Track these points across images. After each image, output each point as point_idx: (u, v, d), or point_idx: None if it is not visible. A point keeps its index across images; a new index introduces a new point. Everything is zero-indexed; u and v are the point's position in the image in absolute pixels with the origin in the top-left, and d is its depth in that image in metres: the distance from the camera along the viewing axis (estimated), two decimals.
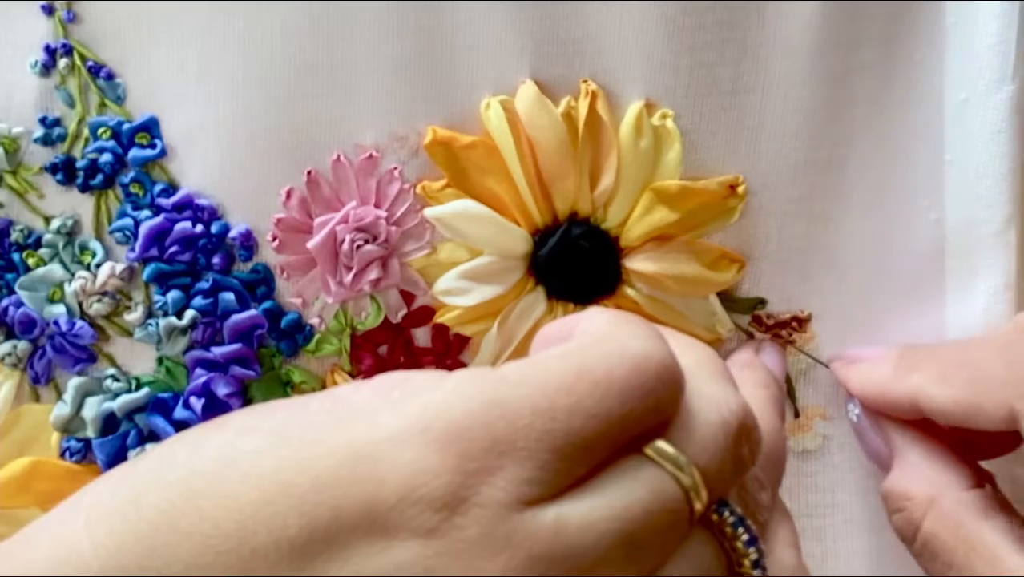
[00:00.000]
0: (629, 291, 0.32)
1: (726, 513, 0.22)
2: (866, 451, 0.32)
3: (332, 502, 0.18)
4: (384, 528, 0.18)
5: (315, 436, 0.19)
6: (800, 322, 0.32)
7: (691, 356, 0.23)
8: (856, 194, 0.31)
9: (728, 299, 0.32)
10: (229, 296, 0.32)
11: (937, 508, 0.29)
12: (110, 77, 0.31)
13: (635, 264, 0.32)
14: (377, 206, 0.31)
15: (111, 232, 0.32)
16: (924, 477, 0.29)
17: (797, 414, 0.33)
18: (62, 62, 0.31)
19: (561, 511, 0.19)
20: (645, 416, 0.20)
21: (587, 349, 0.21)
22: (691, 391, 0.22)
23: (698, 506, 0.21)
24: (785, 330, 0.32)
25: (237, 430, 0.20)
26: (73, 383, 0.33)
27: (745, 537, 0.22)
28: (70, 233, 0.32)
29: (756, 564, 0.22)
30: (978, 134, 0.30)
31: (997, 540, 0.27)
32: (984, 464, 0.31)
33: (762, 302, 0.32)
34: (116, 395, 0.33)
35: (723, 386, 0.23)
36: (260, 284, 0.32)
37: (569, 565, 0.19)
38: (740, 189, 0.31)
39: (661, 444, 0.21)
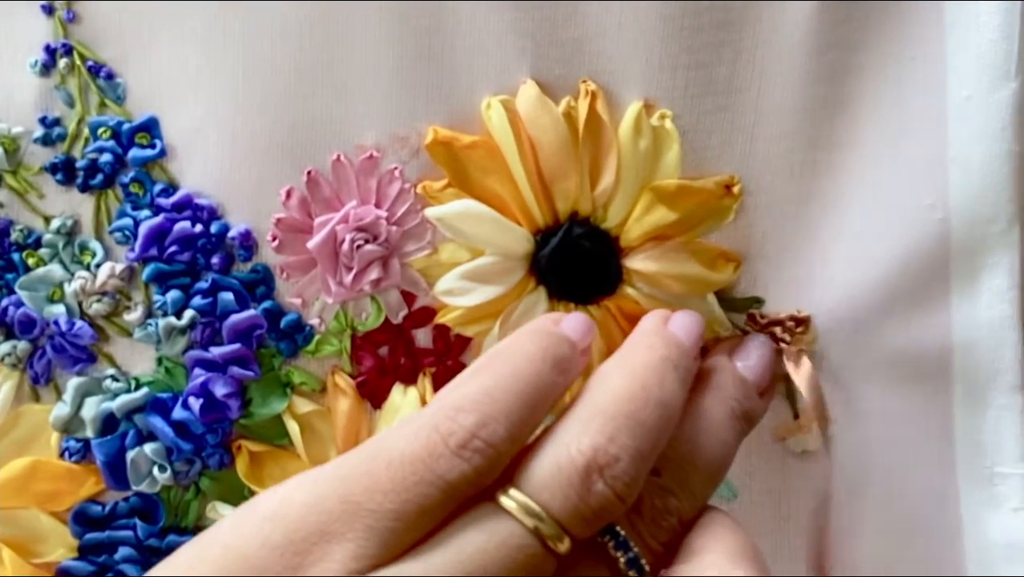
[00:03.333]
0: (629, 290, 0.32)
1: (607, 537, 0.25)
2: None
3: None
4: None
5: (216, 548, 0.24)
6: (798, 321, 0.32)
7: (591, 394, 0.26)
8: (856, 194, 0.31)
9: (725, 298, 0.32)
10: (228, 296, 0.32)
11: None
12: (110, 77, 0.31)
13: (635, 264, 0.32)
14: (378, 206, 0.31)
15: (111, 232, 0.32)
16: None
17: (797, 415, 0.33)
18: (62, 62, 0.31)
19: (401, 569, 0.23)
20: (455, 481, 0.23)
21: (392, 431, 0.24)
22: (551, 433, 0.25)
23: (560, 547, 0.24)
24: (779, 328, 0.32)
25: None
26: (73, 383, 0.33)
27: (624, 560, 0.25)
28: (70, 233, 0.32)
29: None
30: (982, 131, 0.30)
31: None
32: None
33: (758, 301, 0.32)
34: (115, 395, 0.33)
35: (584, 426, 0.25)
36: (260, 284, 0.32)
37: None
38: (736, 189, 0.31)
39: (511, 490, 0.24)
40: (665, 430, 0.26)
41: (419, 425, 0.24)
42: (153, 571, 0.24)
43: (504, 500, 0.24)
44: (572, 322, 0.28)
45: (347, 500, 0.23)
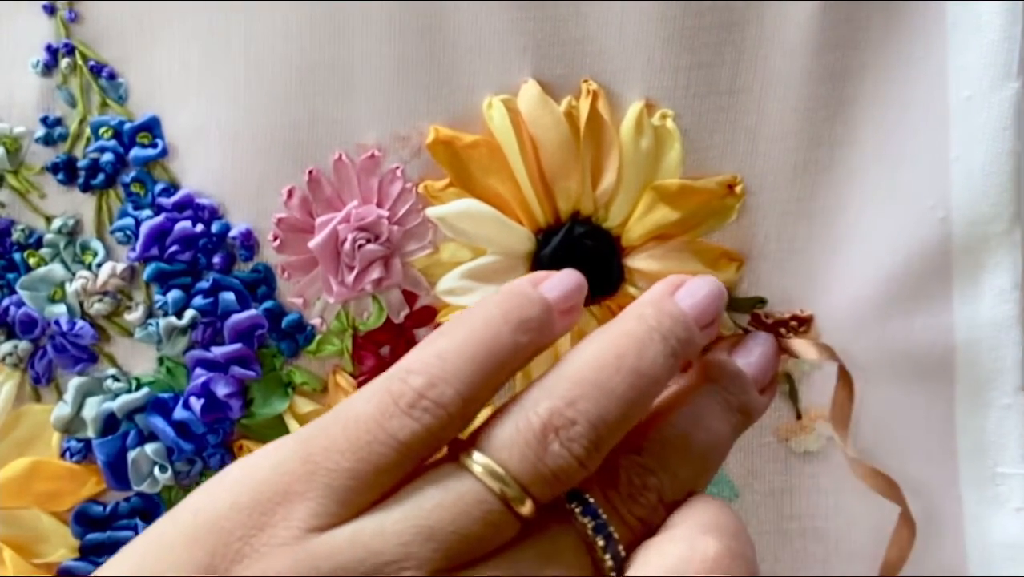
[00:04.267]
0: (631, 290, 0.32)
1: (575, 503, 0.25)
2: None
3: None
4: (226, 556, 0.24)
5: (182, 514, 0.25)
6: (801, 321, 0.32)
7: (564, 361, 0.26)
8: (858, 194, 0.31)
9: (728, 298, 0.32)
10: (229, 296, 0.32)
11: None
12: (112, 77, 0.31)
13: (637, 263, 0.32)
14: (379, 205, 0.31)
15: (112, 232, 0.32)
16: None
17: (799, 416, 0.33)
18: (64, 62, 0.31)
19: (359, 525, 0.23)
20: (407, 440, 0.24)
21: (353, 396, 0.25)
22: (517, 398, 0.25)
23: (523, 509, 0.24)
24: (784, 329, 0.32)
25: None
26: (74, 383, 0.33)
27: (592, 525, 0.25)
28: (71, 233, 0.32)
29: (606, 549, 0.25)
30: (983, 131, 0.30)
31: None
32: None
33: (761, 301, 0.32)
34: (116, 395, 0.33)
35: (547, 392, 0.25)
36: (261, 284, 0.32)
37: (372, 564, 0.23)
38: (738, 188, 0.31)
39: (472, 452, 0.24)
40: (638, 401, 0.26)
41: (374, 388, 0.25)
42: (131, 544, 0.25)
43: (465, 460, 0.24)
44: (554, 281, 0.28)
45: (307, 460, 0.24)
